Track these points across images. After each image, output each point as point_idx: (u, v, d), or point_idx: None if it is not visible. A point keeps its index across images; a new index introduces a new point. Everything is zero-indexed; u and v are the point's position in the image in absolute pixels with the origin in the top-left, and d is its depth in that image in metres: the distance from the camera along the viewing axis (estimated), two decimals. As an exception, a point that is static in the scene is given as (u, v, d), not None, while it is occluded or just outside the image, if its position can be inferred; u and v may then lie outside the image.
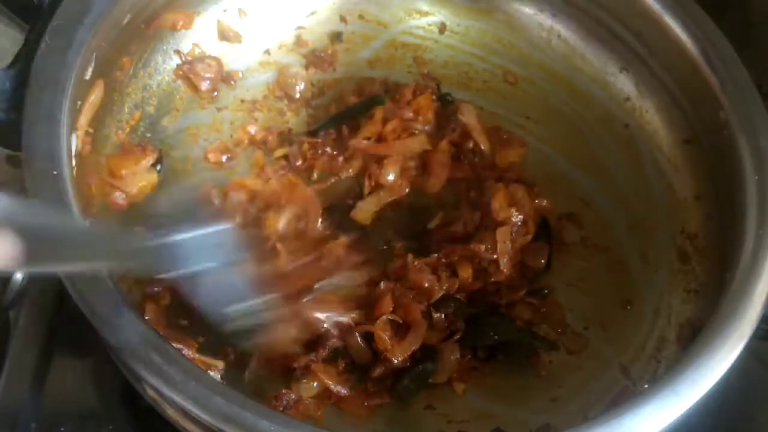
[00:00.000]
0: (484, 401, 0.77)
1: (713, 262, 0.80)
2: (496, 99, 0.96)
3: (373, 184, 0.87)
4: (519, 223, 0.82)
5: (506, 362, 0.80)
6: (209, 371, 0.74)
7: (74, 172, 0.71)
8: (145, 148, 0.84)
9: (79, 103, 0.75)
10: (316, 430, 0.62)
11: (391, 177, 0.87)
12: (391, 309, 0.77)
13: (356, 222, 0.86)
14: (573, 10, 0.93)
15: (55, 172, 0.67)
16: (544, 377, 0.79)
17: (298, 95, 0.94)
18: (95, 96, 0.78)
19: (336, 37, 0.96)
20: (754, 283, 0.69)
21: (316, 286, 0.74)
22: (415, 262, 0.79)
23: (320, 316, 0.75)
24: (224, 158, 0.88)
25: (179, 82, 0.89)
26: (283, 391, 0.74)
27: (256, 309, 0.69)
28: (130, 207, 0.82)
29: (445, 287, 0.79)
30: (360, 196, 0.87)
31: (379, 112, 0.89)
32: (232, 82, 0.92)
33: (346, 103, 0.93)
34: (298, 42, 0.96)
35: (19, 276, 0.80)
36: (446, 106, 0.93)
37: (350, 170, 0.89)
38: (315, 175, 0.88)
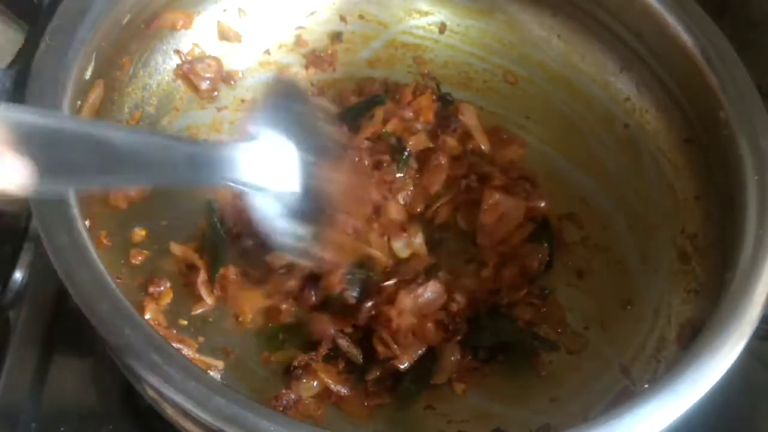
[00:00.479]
0: (484, 401, 0.77)
1: (713, 262, 0.79)
2: (496, 99, 0.96)
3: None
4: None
5: (506, 362, 0.80)
6: (209, 371, 0.74)
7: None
8: (145, 148, 0.84)
9: (79, 103, 0.75)
10: (316, 430, 0.62)
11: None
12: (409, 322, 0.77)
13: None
14: (573, 10, 0.93)
15: (54, 172, 0.67)
16: (544, 377, 0.79)
17: (297, 95, 0.94)
18: (95, 96, 0.78)
19: (336, 37, 0.96)
20: (755, 283, 0.69)
21: None
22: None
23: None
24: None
25: (179, 81, 0.89)
26: (283, 391, 0.74)
27: (305, 234, 0.67)
28: (130, 207, 0.82)
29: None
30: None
31: (379, 113, 0.89)
32: (232, 82, 0.92)
33: (347, 103, 0.93)
34: (298, 42, 0.96)
35: (18, 276, 0.80)
36: (446, 106, 0.93)
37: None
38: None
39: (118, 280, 0.73)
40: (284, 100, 0.70)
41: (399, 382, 0.76)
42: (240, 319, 0.79)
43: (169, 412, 0.66)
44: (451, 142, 0.89)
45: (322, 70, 0.95)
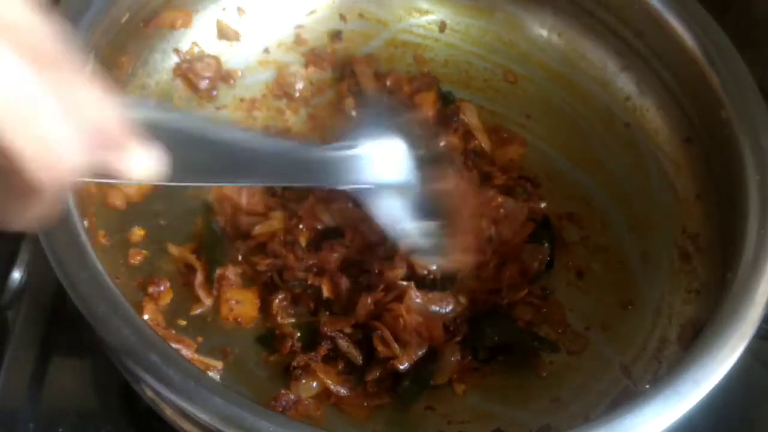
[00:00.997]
0: (484, 402, 0.77)
1: (714, 261, 0.79)
2: (496, 98, 0.95)
3: None
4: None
5: (507, 363, 0.79)
6: (208, 371, 0.73)
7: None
8: (144, 147, 0.84)
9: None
10: (316, 430, 0.62)
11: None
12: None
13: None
14: (574, 9, 0.93)
15: (53, 172, 0.67)
16: (544, 378, 0.79)
17: (297, 94, 0.93)
18: (94, 95, 0.78)
19: (335, 35, 0.96)
20: (756, 282, 0.69)
21: None
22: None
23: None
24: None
25: (178, 81, 0.89)
26: (283, 391, 0.73)
27: (430, 231, 0.68)
28: (129, 207, 0.82)
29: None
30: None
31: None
32: (231, 81, 0.92)
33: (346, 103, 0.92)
34: (298, 40, 0.95)
35: (17, 275, 0.80)
36: (447, 105, 0.93)
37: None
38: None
39: (117, 280, 0.73)
40: (381, 112, 0.71)
41: (399, 383, 0.76)
42: (239, 319, 0.79)
43: (168, 412, 0.66)
44: (453, 141, 0.88)
45: (321, 68, 0.95)
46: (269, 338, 0.78)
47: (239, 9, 0.93)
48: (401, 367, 0.75)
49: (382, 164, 0.64)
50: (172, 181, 0.48)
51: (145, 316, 0.75)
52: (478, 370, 0.79)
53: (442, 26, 0.98)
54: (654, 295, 0.82)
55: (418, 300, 0.76)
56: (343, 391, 0.75)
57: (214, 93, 0.91)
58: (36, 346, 0.80)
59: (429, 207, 0.67)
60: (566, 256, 0.86)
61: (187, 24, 0.89)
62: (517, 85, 0.96)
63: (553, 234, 0.86)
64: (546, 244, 0.85)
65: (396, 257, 0.78)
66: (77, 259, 0.64)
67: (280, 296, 0.79)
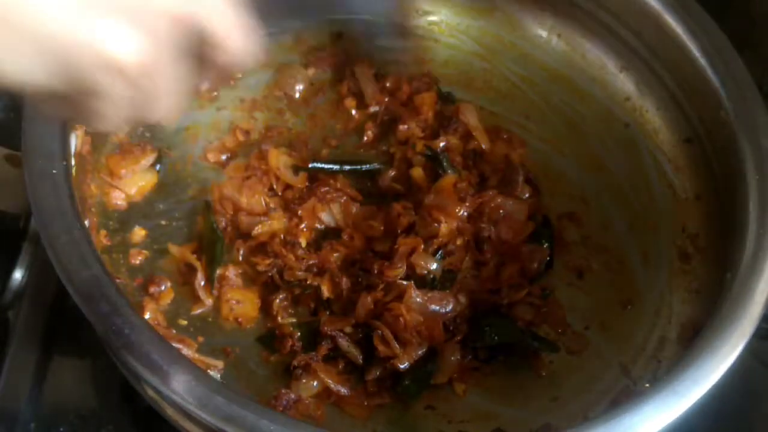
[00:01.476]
0: (484, 401, 0.77)
1: (714, 261, 0.79)
2: (496, 98, 0.95)
3: None
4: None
5: (507, 362, 0.79)
6: (209, 371, 0.74)
7: (73, 171, 0.71)
8: (144, 147, 0.84)
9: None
10: (316, 430, 0.62)
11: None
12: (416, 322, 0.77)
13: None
14: (573, 9, 0.93)
15: (54, 171, 0.67)
16: (544, 377, 0.79)
17: (297, 95, 0.93)
18: (95, 95, 0.78)
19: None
20: (755, 282, 0.69)
21: None
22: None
23: None
24: (224, 158, 0.88)
25: (179, 81, 0.89)
26: (283, 390, 0.73)
27: None
28: (129, 207, 0.82)
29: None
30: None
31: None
32: (232, 82, 0.92)
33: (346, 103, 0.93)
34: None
35: (18, 276, 0.80)
36: (447, 106, 0.93)
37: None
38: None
39: (118, 280, 0.73)
40: None
41: (399, 382, 0.76)
42: (240, 319, 0.79)
43: (169, 412, 0.66)
44: (452, 141, 0.89)
45: (321, 69, 0.95)
46: (270, 338, 0.78)
47: (240, 9, 0.93)
48: (401, 366, 0.75)
49: None
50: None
51: (146, 316, 0.75)
52: (478, 369, 0.79)
53: (442, 27, 0.98)
54: (654, 295, 0.82)
55: (418, 299, 0.77)
56: (343, 390, 0.75)
57: (215, 94, 0.91)
58: (37, 346, 0.80)
59: None
60: (566, 256, 0.86)
61: (187, 24, 0.89)
62: (517, 85, 0.96)
63: (553, 234, 0.86)
64: (546, 244, 0.85)
65: (396, 257, 0.79)
66: (78, 259, 0.64)
67: (280, 296, 0.79)
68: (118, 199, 0.81)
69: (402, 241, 0.79)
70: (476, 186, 0.86)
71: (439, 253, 0.80)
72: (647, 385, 0.75)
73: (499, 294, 0.81)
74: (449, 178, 0.84)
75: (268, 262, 0.80)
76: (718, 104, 0.80)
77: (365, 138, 0.91)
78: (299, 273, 0.80)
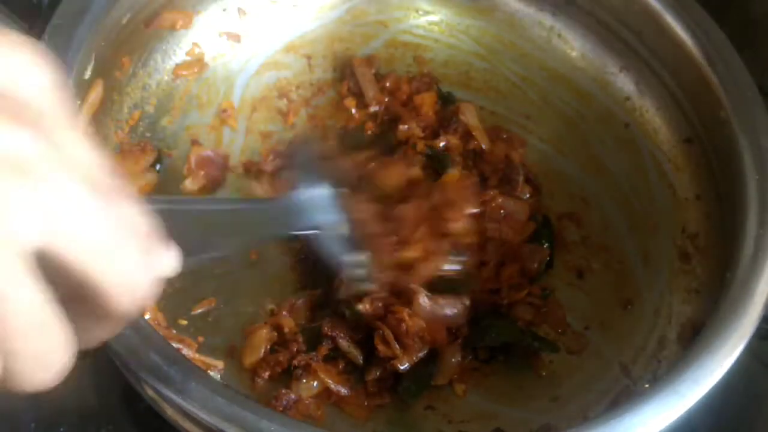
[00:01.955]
0: (484, 401, 0.77)
1: (714, 261, 0.79)
2: (496, 98, 0.95)
3: None
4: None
5: (507, 363, 0.79)
6: (209, 371, 0.74)
7: (73, 171, 0.71)
8: (144, 147, 0.84)
9: (79, 102, 0.75)
10: (316, 430, 0.62)
11: None
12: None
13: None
14: (573, 9, 0.93)
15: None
16: (544, 377, 0.79)
17: (297, 95, 0.94)
18: (94, 95, 0.78)
19: (336, 36, 0.96)
20: (755, 282, 0.69)
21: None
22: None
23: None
24: (224, 158, 0.88)
25: (179, 81, 0.89)
26: (283, 391, 0.73)
27: (364, 262, 0.72)
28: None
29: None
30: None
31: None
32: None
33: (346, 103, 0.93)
34: (298, 41, 0.95)
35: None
36: (447, 105, 0.93)
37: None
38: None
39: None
40: (306, 155, 0.75)
41: (399, 382, 0.76)
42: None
43: (169, 412, 0.66)
44: (452, 141, 0.89)
45: (322, 69, 0.95)
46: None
47: (240, 10, 0.93)
48: (401, 367, 0.75)
49: (317, 208, 0.69)
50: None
51: (146, 316, 0.75)
52: (478, 370, 0.79)
53: (443, 27, 0.98)
54: (654, 295, 0.82)
55: (426, 305, 0.76)
56: (343, 390, 0.75)
57: (215, 94, 0.91)
58: (37, 346, 0.80)
59: (356, 238, 0.72)
60: (566, 256, 0.86)
61: (187, 25, 0.89)
62: (517, 85, 0.96)
63: (553, 234, 0.86)
64: (546, 244, 0.85)
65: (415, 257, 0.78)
66: (78, 259, 0.64)
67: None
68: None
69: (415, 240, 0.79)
70: (477, 185, 0.86)
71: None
72: (647, 385, 0.75)
73: (499, 294, 0.81)
74: (452, 174, 0.84)
75: None
76: (718, 104, 0.80)
77: (365, 138, 0.91)
78: None
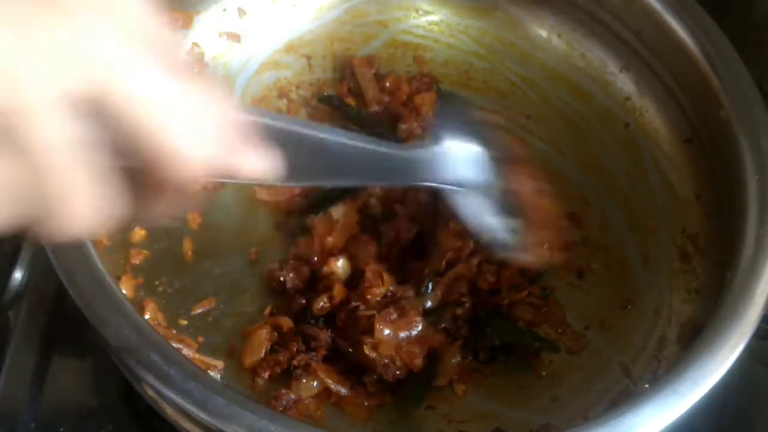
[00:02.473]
0: (484, 401, 0.77)
1: (714, 261, 0.79)
2: (496, 98, 0.95)
3: None
4: None
5: (507, 363, 0.79)
6: (209, 371, 0.74)
7: (74, 171, 0.71)
8: (145, 147, 0.84)
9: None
10: (316, 430, 0.62)
11: None
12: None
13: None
14: (573, 10, 0.93)
15: (54, 172, 0.67)
16: (544, 377, 0.79)
17: (297, 95, 0.94)
18: (95, 95, 0.78)
19: (335, 36, 0.96)
20: (755, 282, 0.69)
21: None
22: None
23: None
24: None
25: (179, 81, 0.89)
26: (283, 391, 0.73)
27: (511, 227, 0.70)
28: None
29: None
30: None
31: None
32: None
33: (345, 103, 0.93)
34: (298, 41, 0.95)
35: (18, 276, 0.80)
36: (447, 106, 0.93)
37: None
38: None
39: (118, 280, 0.73)
40: (456, 111, 0.74)
41: (399, 383, 0.76)
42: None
43: (169, 412, 0.66)
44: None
45: (322, 69, 0.95)
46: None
47: (240, 10, 0.93)
48: (397, 372, 0.75)
49: (463, 164, 0.66)
50: (282, 182, 0.49)
51: (146, 316, 0.75)
52: (478, 370, 0.79)
53: (442, 27, 0.98)
54: (654, 295, 0.82)
55: (387, 332, 0.74)
56: (343, 390, 0.75)
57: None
58: (37, 347, 0.80)
59: (508, 205, 0.69)
60: (566, 256, 0.86)
61: (187, 25, 0.89)
62: (517, 85, 0.96)
63: (552, 234, 0.86)
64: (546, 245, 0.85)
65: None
66: (78, 259, 0.64)
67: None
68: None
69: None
70: None
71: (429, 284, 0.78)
72: (647, 385, 0.75)
73: (499, 294, 0.81)
74: None
75: None
76: (718, 104, 0.80)
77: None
78: None
